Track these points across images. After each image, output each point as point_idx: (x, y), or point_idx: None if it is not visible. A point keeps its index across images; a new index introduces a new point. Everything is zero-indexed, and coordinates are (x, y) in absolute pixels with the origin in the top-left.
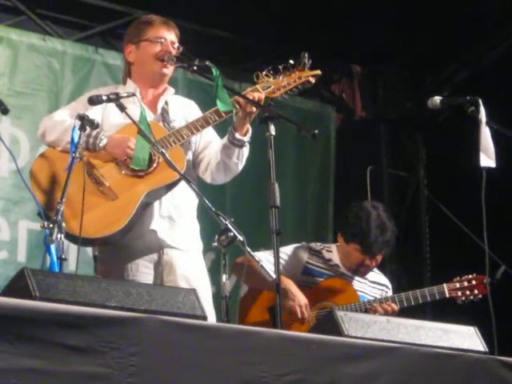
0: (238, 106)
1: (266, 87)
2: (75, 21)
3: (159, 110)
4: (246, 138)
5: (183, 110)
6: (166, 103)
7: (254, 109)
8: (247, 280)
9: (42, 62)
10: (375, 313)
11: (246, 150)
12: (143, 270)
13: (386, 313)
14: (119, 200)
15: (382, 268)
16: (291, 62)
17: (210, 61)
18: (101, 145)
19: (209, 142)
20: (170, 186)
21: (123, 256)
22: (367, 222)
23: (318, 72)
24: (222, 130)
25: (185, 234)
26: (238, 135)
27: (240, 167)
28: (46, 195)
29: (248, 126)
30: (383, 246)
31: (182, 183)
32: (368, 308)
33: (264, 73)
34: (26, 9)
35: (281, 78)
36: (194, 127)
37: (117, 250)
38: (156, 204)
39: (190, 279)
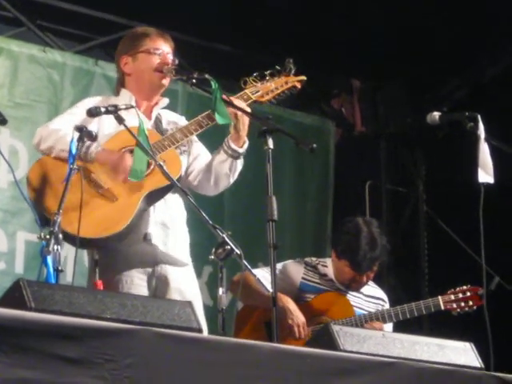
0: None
1: (254, 92)
2: (75, 33)
3: (153, 118)
4: (241, 150)
5: (175, 121)
6: (159, 114)
7: (244, 116)
8: (243, 298)
9: (41, 73)
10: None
11: (239, 164)
12: (138, 283)
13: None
14: (119, 202)
15: (379, 282)
16: (277, 67)
17: (209, 74)
18: (92, 155)
19: (197, 155)
20: (168, 188)
21: (118, 267)
22: (357, 238)
23: (303, 78)
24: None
25: (178, 243)
26: (233, 145)
27: (231, 180)
28: (42, 202)
29: (244, 137)
30: (372, 263)
31: (174, 192)
32: (362, 324)
33: (251, 78)
34: (27, 20)
35: (268, 83)
36: (188, 131)
37: (112, 260)
38: (151, 210)
39: (184, 292)
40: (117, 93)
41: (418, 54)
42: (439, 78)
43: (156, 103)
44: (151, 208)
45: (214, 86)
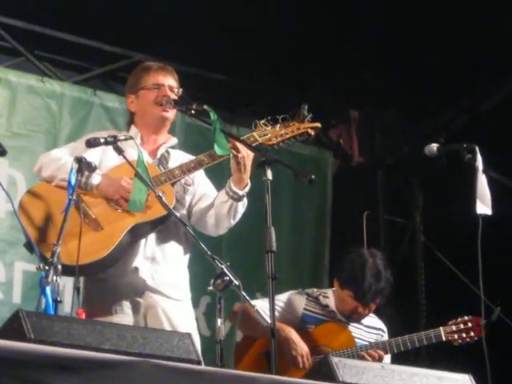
0: (232, 152)
1: (262, 134)
2: (74, 63)
3: (158, 156)
4: (242, 192)
5: (184, 162)
6: (168, 152)
7: (246, 157)
8: (243, 328)
9: (40, 103)
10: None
11: (240, 206)
12: (127, 312)
13: (373, 360)
14: (104, 231)
15: (376, 312)
16: (291, 113)
17: (208, 105)
18: (94, 183)
19: (203, 195)
20: (157, 223)
21: (108, 296)
22: (363, 269)
23: (318, 125)
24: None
25: (167, 279)
26: (233, 187)
27: (232, 222)
28: (36, 229)
29: (246, 179)
30: (377, 295)
31: (170, 228)
32: (361, 354)
33: (262, 122)
34: (25, 50)
35: (278, 127)
36: (187, 168)
37: (102, 290)
38: (141, 244)
39: (175, 326)
40: (127, 130)
41: (416, 83)
42: (437, 108)
43: (164, 142)
44: (142, 241)
45: (213, 117)
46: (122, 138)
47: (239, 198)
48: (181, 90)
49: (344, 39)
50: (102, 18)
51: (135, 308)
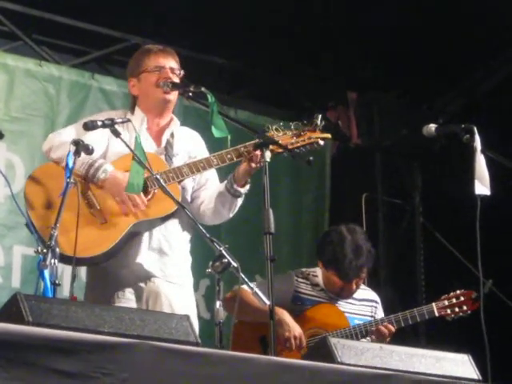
0: (244, 155)
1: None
2: (71, 46)
3: (163, 143)
4: (243, 190)
5: (188, 143)
6: (172, 135)
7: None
8: (238, 314)
9: (38, 87)
10: (378, 334)
11: (239, 201)
12: (129, 297)
13: (384, 335)
14: (107, 224)
15: (376, 290)
16: (304, 121)
17: (205, 87)
18: (101, 177)
19: (207, 180)
20: (162, 220)
21: (111, 284)
22: (342, 248)
23: (329, 136)
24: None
25: (175, 268)
26: (236, 186)
27: (230, 215)
28: (41, 218)
29: (248, 179)
30: (359, 271)
31: (176, 216)
32: (368, 330)
33: (274, 127)
34: (23, 34)
35: (290, 134)
36: (196, 167)
37: (105, 278)
38: (146, 236)
39: (175, 309)
40: (131, 113)
41: (414, 66)
42: (435, 91)
43: (168, 123)
44: (147, 233)
45: (210, 100)
46: (120, 120)
47: (240, 196)
48: (182, 71)
49: (343, 23)
50: (100, 1)
51: (137, 293)
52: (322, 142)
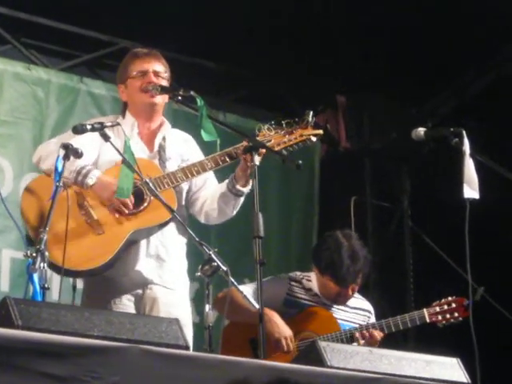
0: (236, 156)
1: (266, 141)
2: (60, 50)
3: (156, 147)
4: (246, 190)
5: (180, 145)
6: (164, 139)
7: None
8: (229, 314)
9: (26, 90)
10: (362, 339)
11: (242, 199)
12: (126, 303)
13: (372, 339)
14: (105, 235)
15: (365, 297)
16: (296, 119)
17: (194, 90)
18: (89, 183)
19: (205, 181)
20: (158, 227)
21: (108, 291)
22: (339, 253)
23: (320, 132)
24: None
25: (173, 274)
26: (238, 186)
27: (234, 213)
28: (35, 229)
29: (249, 178)
30: (356, 276)
31: (173, 221)
32: (353, 335)
33: (266, 126)
34: (11, 38)
35: (282, 133)
36: (190, 172)
37: (102, 285)
38: (143, 242)
39: (173, 315)
40: (122, 117)
41: (403, 69)
42: (424, 93)
43: (159, 127)
44: (144, 240)
45: (199, 103)
46: (109, 124)
47: (242, 195)
48: (167, 73)
49: (331, 25)
50: (89, 4)
51: (136, 300)
52: (314, 139)
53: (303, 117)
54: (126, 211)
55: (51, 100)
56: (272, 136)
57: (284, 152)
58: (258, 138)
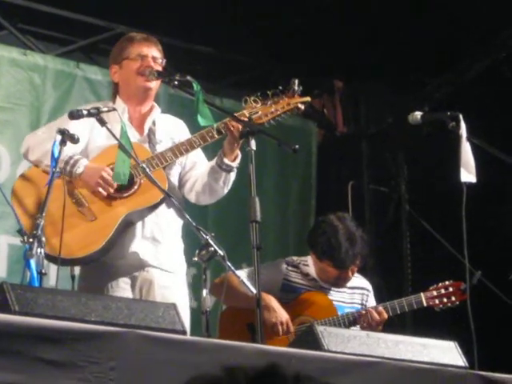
0: (223, 131)
1: (253, 113)
2: (56, 36)
3: (146, 131)
4: (235, 164)
5: (171, 130)
6: (154, 123)
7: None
8: (226, 299)
9: (23, 76)
10: (367, 321)
11: (232, 175)
12: (123, 286)
13: (375, 321)
14: (98, 221)
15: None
16: (280, 88)
17: (191, 75)
18: (77, 172)
19: (195, 163)
20: (151, 208)
21: (105, 274)
22: (336, 237)
23: (308, 99)
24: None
25: (169, 255)
26: (226, 160)
27: (225, 191)
28: (28, 215)
29: (237, 151)
30: (355, 258)
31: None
32: (357, 317)
33: (252, 98)
34: (7, 23)
35: (269, 103)
36: (178, 151)
37: (99, 269)
38: (139, 224)
39: (168, 300)
40: (113, 101)
41: (399, 54)
42: (420, 78)
43: (149, 111)
44: (140, 223)
45: (196, 88)
46: (105, 109)
47: (232, 170)
48: (164, 60)
49: (330, 12)
50: None
51: (132, 282)
52: (302, 106)
53: (289, 86)
54: (111, 189)
55: (48, 86)
56: (259, 108)
57: (273, 122)
58: (244, 111)
